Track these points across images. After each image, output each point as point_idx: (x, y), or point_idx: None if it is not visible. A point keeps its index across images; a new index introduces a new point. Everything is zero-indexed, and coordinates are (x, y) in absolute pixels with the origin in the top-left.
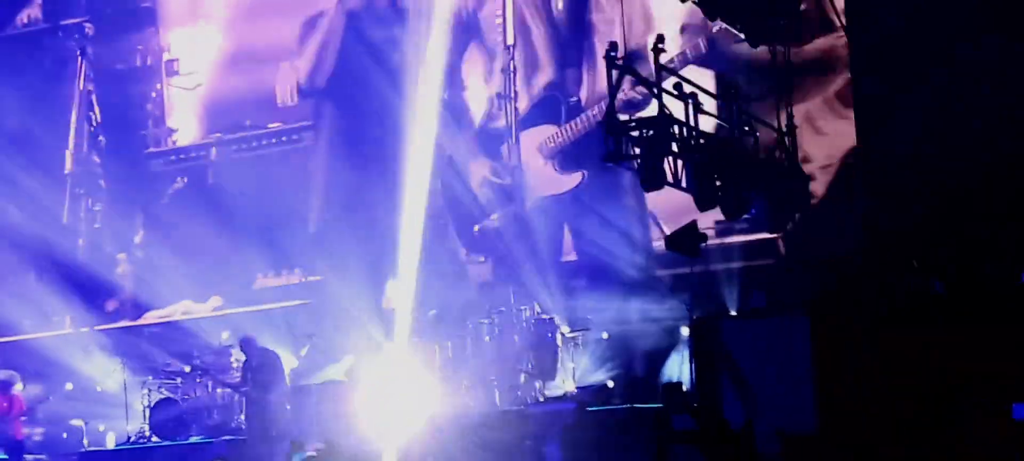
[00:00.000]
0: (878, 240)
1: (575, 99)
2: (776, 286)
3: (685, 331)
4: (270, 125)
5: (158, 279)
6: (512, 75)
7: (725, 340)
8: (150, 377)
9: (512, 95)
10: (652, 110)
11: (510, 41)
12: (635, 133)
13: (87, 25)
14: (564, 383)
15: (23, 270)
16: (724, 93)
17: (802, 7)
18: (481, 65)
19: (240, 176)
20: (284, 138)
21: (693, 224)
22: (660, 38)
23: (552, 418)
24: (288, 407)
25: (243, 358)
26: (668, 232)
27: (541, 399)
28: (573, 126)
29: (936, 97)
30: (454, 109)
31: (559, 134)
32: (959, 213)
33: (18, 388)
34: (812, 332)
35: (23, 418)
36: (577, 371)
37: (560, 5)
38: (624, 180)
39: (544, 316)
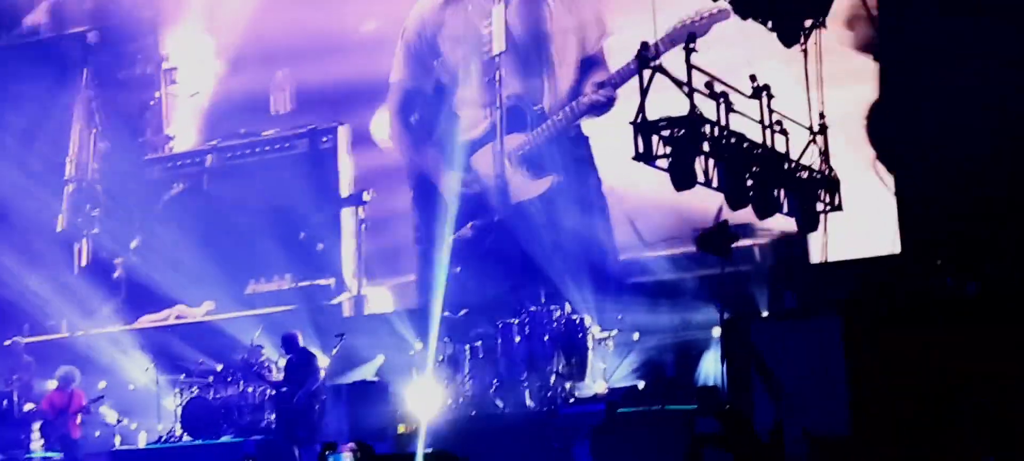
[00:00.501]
0: (911, 240)
1: (539, 107)
2: (808, 287)
3: (716, 332)
4: (264, 133)
5: (153, 283)
6: (499, 84)
7: (756, 341)
8: (182, 376)
9: (499, 104)
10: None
11: (501, 49)
12: (666, 133)
13: (90, 33)
14: (594, 384)
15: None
16: (755, 93)
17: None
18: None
19: (235, 182)
20: (278, 145)
21: (724, 223)
22: (692, 37)
23: (581, 420)
24: (316, 407)
25: (274, 356)
26: (641, 232)
27: (571, 400)
28: (540, 132)
29: (967, 96)
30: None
31: (527, 141)
32: (993, 213)
33: (77, 385)
34: (844, 333)
35: (81, 416)
36: (608, 372)
37: (516, 18)
38: (591, 183)
39: (575, 317)
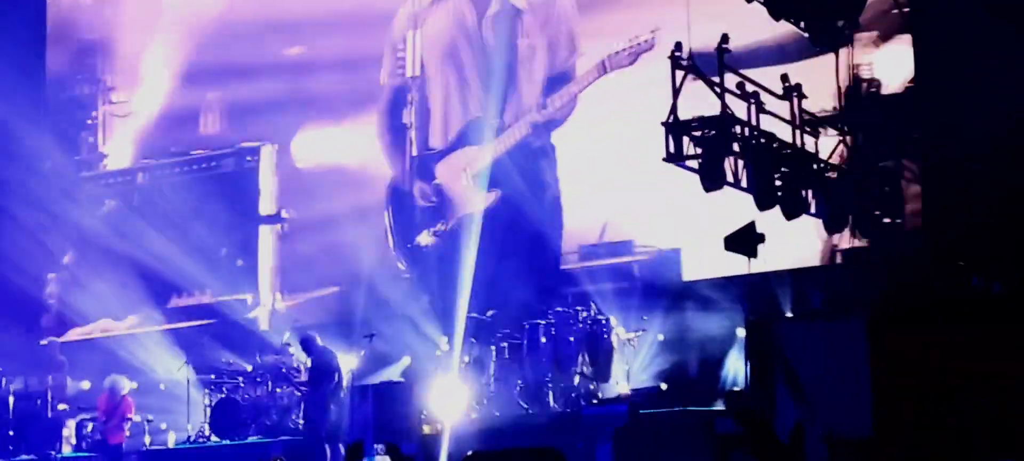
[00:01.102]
0: (937, 241)
1: (498, 121)
2: (834, 288)
3: (741, 333)
4: (193, 152)
5: (83, 298)
6: (413, 106)
7: (781, 343)
8: (212, 376)
9: (411, 123)
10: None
11: (414, 74)
12: (697, 133)
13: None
14: (618, 385)
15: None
16: (786, 93)
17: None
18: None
19: (164, 200)
20: (205, 164)
21: (751, 225)
22: (725, 37)
23: (604, 420)
24: (332, 407)
25: (302, 357)
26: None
27: (594, 401)
28: (493, 146)
29: (997, 97)
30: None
31: (479, 154)
32: (1020, 214)
33: (126, 391)
34: (869, 334)
35: (128, 422)
36: (631, 373)
37: (490, 32)
38: (539, 196)
39: (601, 317)
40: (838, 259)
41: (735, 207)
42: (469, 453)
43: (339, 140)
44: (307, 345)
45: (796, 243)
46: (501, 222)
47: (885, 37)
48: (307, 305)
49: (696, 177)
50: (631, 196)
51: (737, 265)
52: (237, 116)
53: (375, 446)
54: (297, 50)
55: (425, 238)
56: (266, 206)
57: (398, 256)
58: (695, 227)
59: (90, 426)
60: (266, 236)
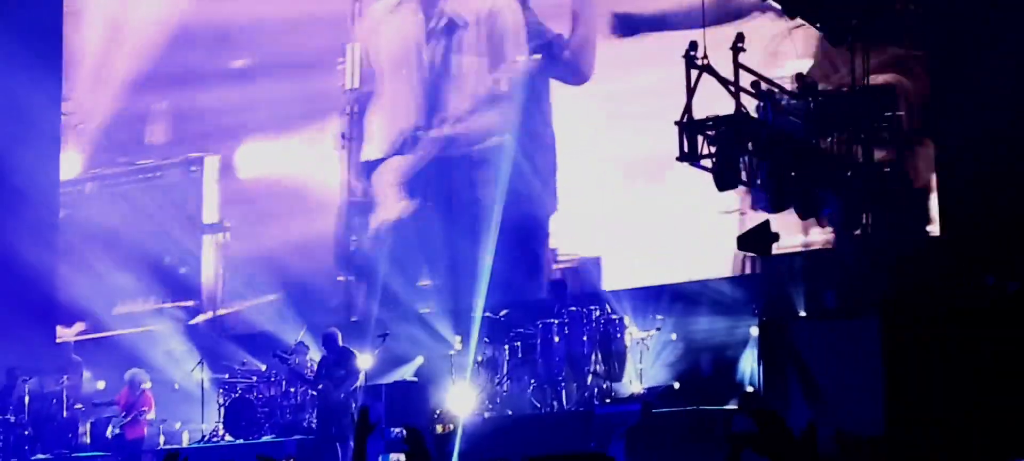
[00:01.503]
0: (952, 239)
1: (425, 132)
2: (848, 286)
3: (754, 331)
4: (140, 161)
5: (32, 305)
6: (354, 116)
7: (794, 342)
8: (226, 375)
9: (350, 134)
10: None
11: (354, 85)
12: (711, 132)
13: None
14: (631, 384)
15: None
16: (801, 91)
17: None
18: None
19: (112, 209)
20: (151, 174)
21: (765, 224)
22: (740, 36)
23: (618, 419)
24: (353, 405)
25: (316, 356)
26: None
27: (607, 400)
28: (417, 155)
29: (1014, 93)
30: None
31: (404, 163)
32: None
33: (146, 386)
34: (882, 333)
35: (149, 417)
36: (644, 372)
37: (433, 45)
38: (456, 207)
39: (614, 316)
40: (851, 258)
41: (653, 216)
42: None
43: (280, 151)
44: (329, 342)
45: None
46: (424, 229)
47: (900, 34)
48: (248, 312)
49: (614, 186)
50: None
51: (657, 274)
52: (183, 126)
53: (392, 429)
54: (242, 62)
55: (360, 244)
56: (209, 215)
57: (336, 262)
58: (615, 236)
59: (111, 425)
60: (209, 245)
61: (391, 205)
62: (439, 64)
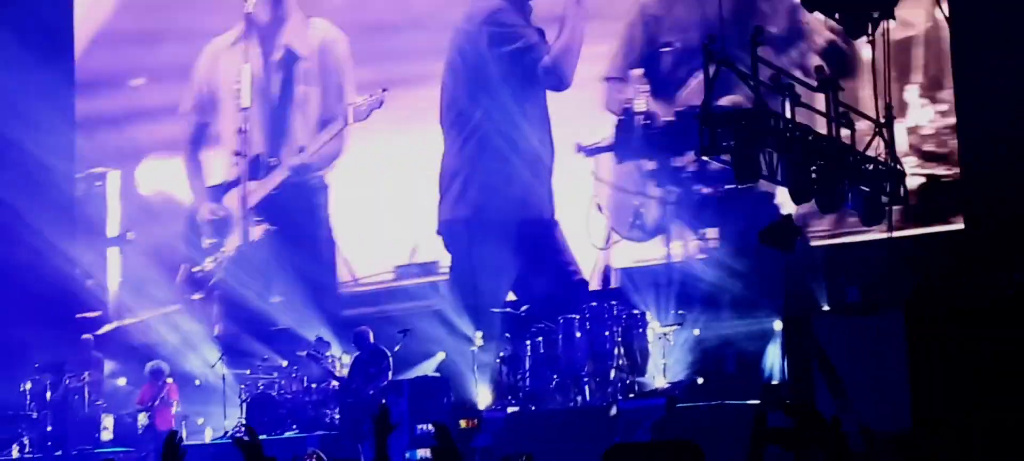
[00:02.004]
0: (977, 234)
1: (275, 159)
2: (870, 282)
3: (778, 326)
4: None
5: None
6: (246, 134)
7: (818, 336)
8: (248, 371)
9: (247, 152)
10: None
11: (246, 104)
12: (731, 126)
13: None
14: (654, 379)
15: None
16: (822, 84)
17: None
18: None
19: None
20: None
21: (788, 218)
22: (758, 30)
23: (642, 414)
24: (383, 402)
25: (336, 354)
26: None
27: (631, 395)
28: (268, 181)
29: None
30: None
31: (259, 188)
32: None
33: (169, 376)
34: (907, 327)
35: (175, 408)
36: (668, 367)
37: (273, 76)
38: (313, 229)
39: (636, 311)
40: (875, 252)
41: None
42: (615, 443)
43: (175, 168)
44: (360, 339)
45: None
46: (278, 252)
47: (920, 26)
48: (149, 323)
49: None
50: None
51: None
52: (90, 139)
53: (419, 426)
54: (140, 81)
55: (207, 265)
56: (112, 228)
57: (185, 282)
58: None
59: (141, 417)
60: (114, 257)
61: (241, 227)
62: (280, 94)
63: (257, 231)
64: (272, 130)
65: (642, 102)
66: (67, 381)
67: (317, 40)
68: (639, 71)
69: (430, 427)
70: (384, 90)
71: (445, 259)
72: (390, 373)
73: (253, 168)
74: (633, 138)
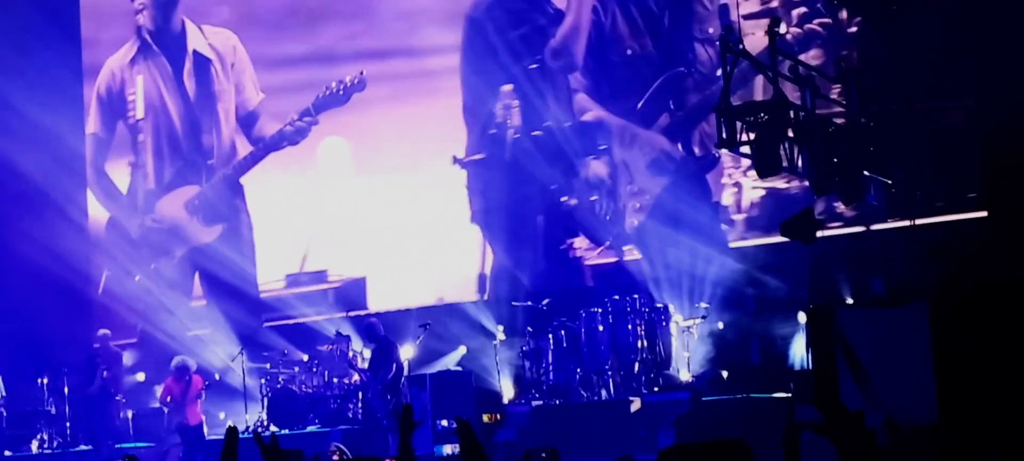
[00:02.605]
0: (1002, 225)
1: (212, 161)
2: (895, 274)
3: (802, 319)
4: None
5: None
6: (142, 145)
7: (843, 329)
8: (268, 366)
9: (143, 164)
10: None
11: (140, 116)
12: (750, 119)
13: None
14: (679, 373)
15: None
16: (841, 76)
17: None
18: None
19: None
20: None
21: (809, 210)
22: (776, 21)
23: (666, 408)
24: (389, 397)
25: (358, 346)
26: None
27: (655, 389)
28: (212, 185)
29: None
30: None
31: (198, 193)
32: None
33: (194, 369)
34: (932, 319)
35: (200, 401)
36: (692, 360)
37: (189, 82)
38: (244, 229)
39: (658, 304)
40: (899, 244)
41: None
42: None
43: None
44: (371, 332)
45: None
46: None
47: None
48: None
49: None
50: (325, 226)
51: (417, 296)
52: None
53: (440, 422)
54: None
55: (148, 273)
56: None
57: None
58: (382, 257)
59: (167, 411)
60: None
61: (184, 233)
62: (197, 98)
63: (209, 234)
64: (201, 133)
65: None
66: (104, 373)
67: (219, 43)
68: None
69: (449, 422)
70: (363, 72)
71: (334, 268)
72: (395, 365)
73: (187, 172)
74: None
